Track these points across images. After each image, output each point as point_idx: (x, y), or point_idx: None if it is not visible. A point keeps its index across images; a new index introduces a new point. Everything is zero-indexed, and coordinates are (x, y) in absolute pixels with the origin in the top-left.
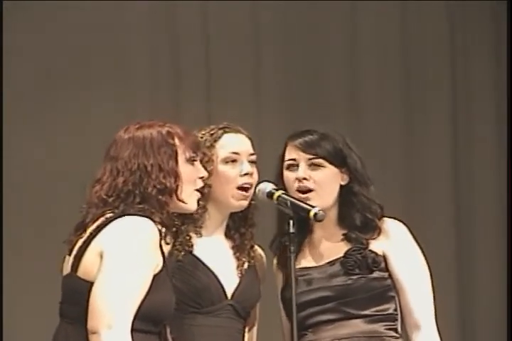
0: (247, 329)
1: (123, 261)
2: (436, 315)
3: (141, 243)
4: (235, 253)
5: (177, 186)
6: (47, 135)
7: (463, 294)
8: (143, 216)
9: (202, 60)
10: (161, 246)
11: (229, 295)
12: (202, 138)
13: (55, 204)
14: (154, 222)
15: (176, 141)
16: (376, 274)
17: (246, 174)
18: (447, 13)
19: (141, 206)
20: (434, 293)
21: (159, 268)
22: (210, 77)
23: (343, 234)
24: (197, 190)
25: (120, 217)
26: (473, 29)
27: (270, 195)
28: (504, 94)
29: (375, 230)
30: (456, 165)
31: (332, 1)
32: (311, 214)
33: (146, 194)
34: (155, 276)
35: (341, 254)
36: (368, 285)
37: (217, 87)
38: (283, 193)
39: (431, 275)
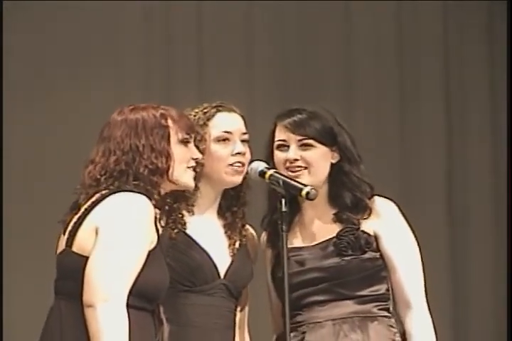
0: (238, 309)
1: (118, 236)
2: (426, 294)
3: (136, 219)
4: (226, 232)
5: (168, 166)
6: (45, 136)
7: (456, 291)
8: (138, 192)
9: (194, 57)
10: (155, 223)
11: (222, 274)
12: (195, 116)
13: (55, 196)
14: (149, 199)
15: (169, 122)
16: (368, 255)
17: (238, 153)
18: (443, 13)
19: (136, 182)
20: (425, 277)
21: (154, 244)
22: (203, 76)
23: (334, 214)
24: (190, 168)
25: (115, 192)
26: (469, 29)
27: (262, 173)
28: (500, 93)
29: (366, 210)
30: (450, 161)
31: (328, 0)
32: (303, 192)
33: (138, 174)
34: (149, 252)
35: (333, 235)
36: (361, 266)
37: (210, 88)
38: (275, 172)
39: (422, 261)
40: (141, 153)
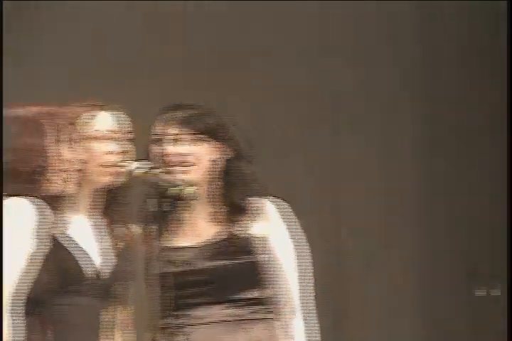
0: (118, 309)
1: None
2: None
3: (18, 226)
4: (107, 231)
5: (50, 166)
6: None
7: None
8: (22, 196)
9: None
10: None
11: (100, 275)
12: (77, 114)
13: None
14: (34, 202)
15: (53, 121)
16: (247, 258)
17: (118, 152)
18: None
19: (21, 185)
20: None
21: (40, 248)
22: None
23: (215, 214)
24: (67, 171)
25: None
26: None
27: (140, 171)
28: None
29: (253, 211)
30: None
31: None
32: (178, 191)
33: (27, 172)
34: (33, 257)
35: (214, 236)
36: (239, 269)
37: None
38: (152, 169)
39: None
40: (30, 151)
